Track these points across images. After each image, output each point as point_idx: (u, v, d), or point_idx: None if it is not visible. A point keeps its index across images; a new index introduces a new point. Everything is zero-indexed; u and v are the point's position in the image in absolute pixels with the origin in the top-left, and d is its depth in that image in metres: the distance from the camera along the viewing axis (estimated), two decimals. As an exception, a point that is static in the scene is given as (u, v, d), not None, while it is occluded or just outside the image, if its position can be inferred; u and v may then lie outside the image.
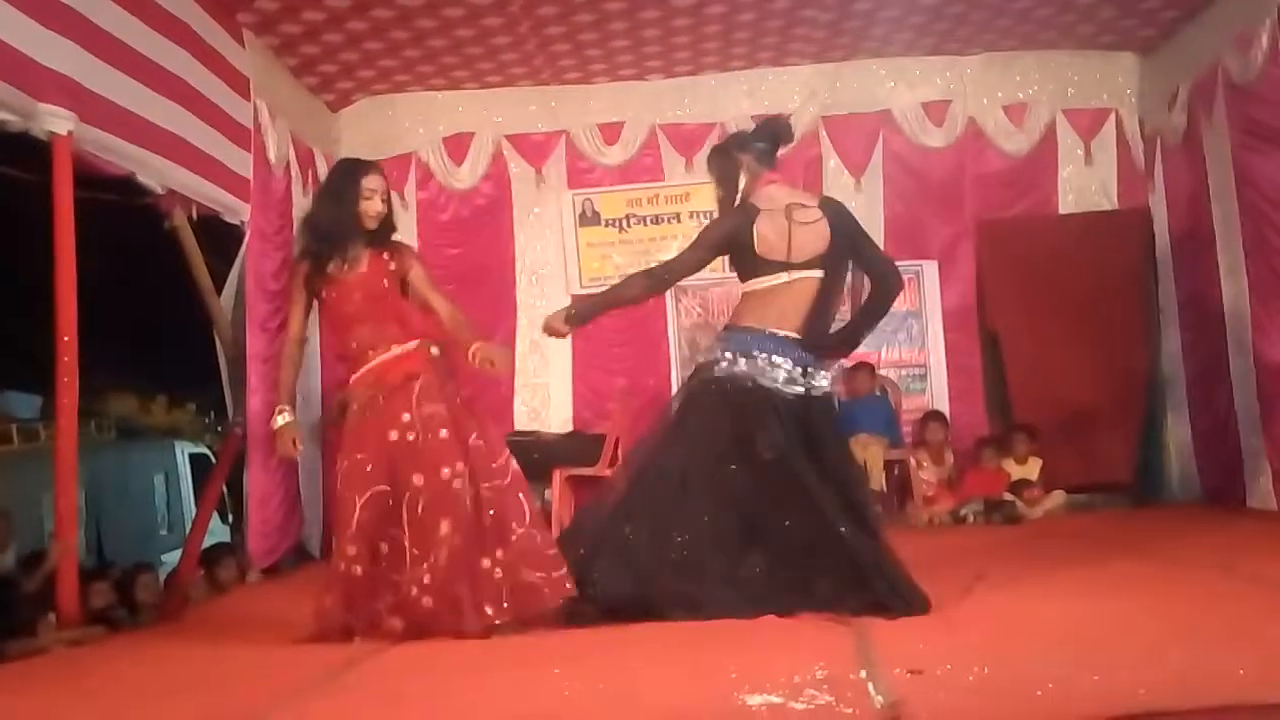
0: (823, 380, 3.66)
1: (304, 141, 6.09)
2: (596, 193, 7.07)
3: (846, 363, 6.70)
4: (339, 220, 3.66)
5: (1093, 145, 6.85)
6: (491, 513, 3.50)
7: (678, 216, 7.06)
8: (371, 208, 3.66)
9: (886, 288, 3.79)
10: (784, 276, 3.61)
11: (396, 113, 6.88)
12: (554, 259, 7.06)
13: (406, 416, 3.53)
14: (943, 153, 6.87)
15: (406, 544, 3.45)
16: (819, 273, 3.63)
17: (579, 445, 6.39)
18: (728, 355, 3.61)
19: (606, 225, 7.07)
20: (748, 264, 3.67)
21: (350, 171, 3.78)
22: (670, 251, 6.96)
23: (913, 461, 6.37)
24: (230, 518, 8.36)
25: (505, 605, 3.41)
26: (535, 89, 6.88)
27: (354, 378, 3.66)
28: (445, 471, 3.47)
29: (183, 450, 11.91)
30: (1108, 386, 6.51)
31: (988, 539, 5.34)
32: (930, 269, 6.88)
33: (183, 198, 4.76)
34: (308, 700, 2.59)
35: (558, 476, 6.13)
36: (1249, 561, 3.87)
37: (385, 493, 3.50)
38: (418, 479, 3.47)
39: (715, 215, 3.96)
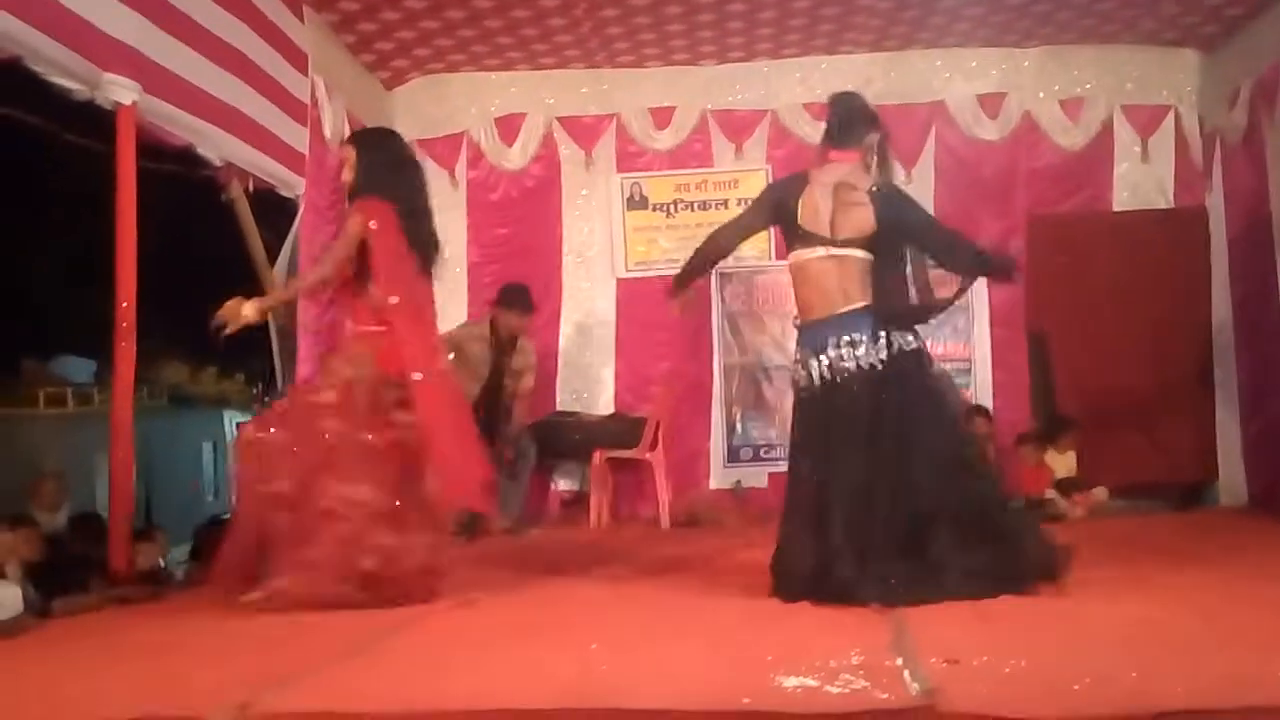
0: (903, 341, 3.56)
1: (359, 118, 6.15)
2: (645, 177, 7.08)
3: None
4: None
5: (1150, 142, 6.74)
6: None
7: (725, 203, 7.04)
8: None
9: (953, 265, 3.74)
10: (821, 251, 3.58)
11: (449, 92, 6.92)
12: (601, 242, 7.08)
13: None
14: (996, 146, 6.80)
15: None
16: (864, 254, 3.58)
17: (620, 427, 6.43)
18: (798, 359, 3.67)
19: (654, 210, 7.08)
20: (791, 234, 3.67)
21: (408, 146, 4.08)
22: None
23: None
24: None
25: None
26: (588, 71, 6.89)
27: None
28: None
29: (231, 419, 12.14)
30: (1159, 387, 6.42)
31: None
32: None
33: (240, 170, 4.85)
34: (352, 663, 2.65)
35: (598, 457, 6.17)
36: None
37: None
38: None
39: None
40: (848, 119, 3.76)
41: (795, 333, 3.75)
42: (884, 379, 3.49)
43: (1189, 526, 5.58)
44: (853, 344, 3.51)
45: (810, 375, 3.58)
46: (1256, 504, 6.05)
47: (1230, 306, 6.37)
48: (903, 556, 3.32)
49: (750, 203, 3.86)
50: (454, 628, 3.21)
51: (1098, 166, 6.79)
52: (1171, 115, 6.73)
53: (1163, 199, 6.74)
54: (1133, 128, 6.74)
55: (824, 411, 3.54)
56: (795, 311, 3.77)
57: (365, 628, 3.11)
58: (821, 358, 3.55)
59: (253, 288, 5.29)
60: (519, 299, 6.13)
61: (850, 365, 3.51)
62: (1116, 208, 6.77)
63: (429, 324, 3.90)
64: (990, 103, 6.78)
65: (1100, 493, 6.21)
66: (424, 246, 3.79)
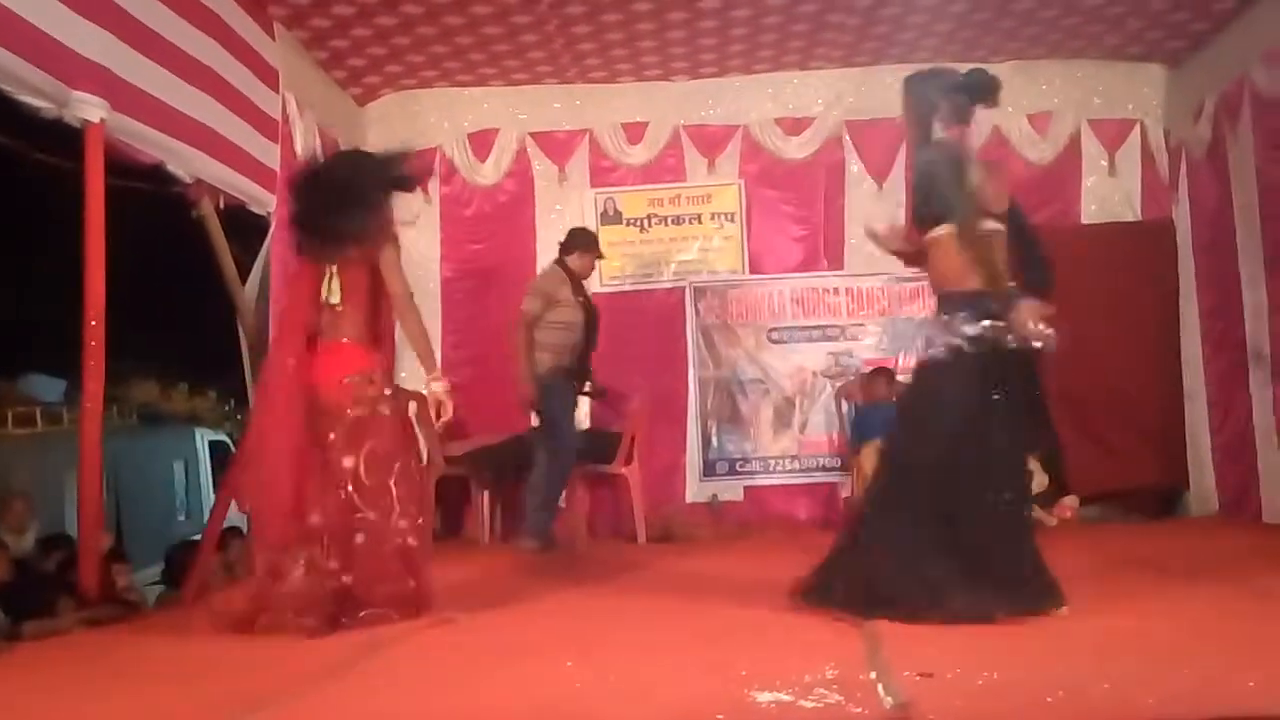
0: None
1: (330, 134, 6.14)
2: (619, 192, 7.10)
3: (865, 368, 6.74)
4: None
5: (1117, 156, 6.83)
6: None
7: (699, 217, 7.08)
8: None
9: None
10: (987, 224, 3.39)
11: (422, 108, 6.92)
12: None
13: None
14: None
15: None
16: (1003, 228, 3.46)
17: (595, 442, 6.41)
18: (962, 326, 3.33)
19: (628, 224, 7.10)
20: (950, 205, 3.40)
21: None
22: (691, 253, 7.06)
23: (928, 468, 6.35)
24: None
25: None
26: (560, 87, 6.91)
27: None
28: None
29: (202, 437, 12.02)
30: (1130, 397, 6.49)
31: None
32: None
33: (210, 187, 4.82)
34: (325, 685, 2.63)
35: (574, 473, 6.14)
36: (1263, 576, 3.87)
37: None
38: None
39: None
40: (976, 98, 3.55)
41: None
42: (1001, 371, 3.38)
43: (1161, 536, 5.63)
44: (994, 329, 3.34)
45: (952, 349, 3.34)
46: (1227, 512, 6.12)
47: (1198, 316, 6.44)
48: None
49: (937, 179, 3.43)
50: (431, 647, 3.19)
51: (1066, 180, 6.87)
52: (1138, 129, 6.82)
53: (1130, 212, 6.82)
54: (1100, 142, 6.83)
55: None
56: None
57: (341, 649, 3.08)
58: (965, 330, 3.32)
59: (223, 305, 5.28)
60: (587, 239, 5.94)
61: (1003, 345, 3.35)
62: (1085, 220, 6.84)
63: None
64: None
65: (1071, 502, 6.26)
66: None
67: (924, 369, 3.48)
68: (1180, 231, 6.62)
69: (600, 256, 6.04)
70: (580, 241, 5.87)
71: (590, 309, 5.87)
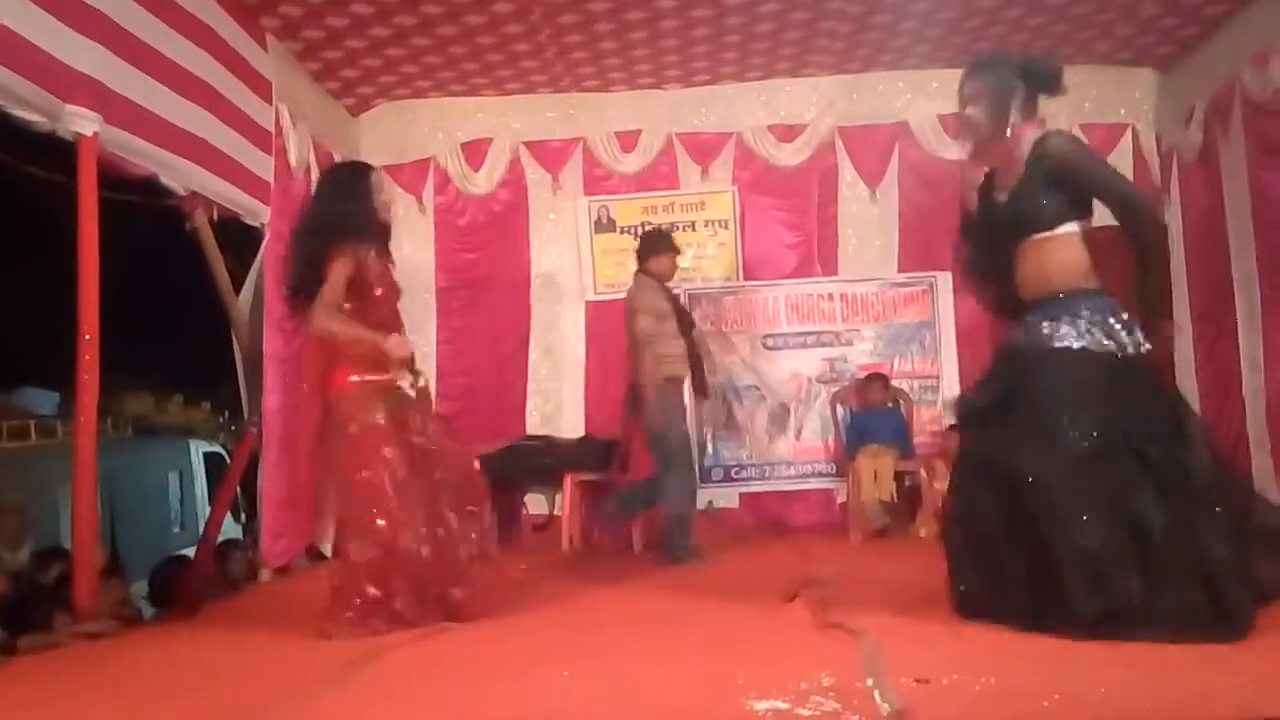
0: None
1: (324, 145, 6.15)
2: (612, 200, 7.11)
3: (860, 373, 6.75)
4: (360, 213, 3.76)
5: (1109, 160, 6.83)
6: None
7: (693, 225, 7.09)
8: (387, 199, 3.86)
9: None
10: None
11: (416, 118, 6.94)
12: (569, 265, 7.10)
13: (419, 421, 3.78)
14: (958, 165, 6.86)
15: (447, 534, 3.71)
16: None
17: (591, 450, 6.41)
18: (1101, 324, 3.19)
19: (622, 232, 7.11)
20: (1089, 203, 3.25)
21: (358, 170, 3.95)
22: (686, 260, 7.03)
23: (923, 473, 6.36)
24: (244, 517, 8.41)
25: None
26: (553, 96, 6.93)
27: (383, 379, 3.72)
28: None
29: (197, 449, 11.99)
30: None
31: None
32: (944, 280, 6.88)
33: (204, 199, 4.82)
34: (318, 698, 2.63)
35: (569, 481, 6.15)
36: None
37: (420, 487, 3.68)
38: (442, 477, 3.75)
39: (965, 136, 3.49)
40: (1049, 89, 3.35)
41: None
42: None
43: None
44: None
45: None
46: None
47: (1190, 320, 6.45)
48: None
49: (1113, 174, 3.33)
50: (425, 657, 3.19)
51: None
52: (1129, 133, 6.85)
53: (1122, 216, 6.83)
54: (1092, 146, 6.83)
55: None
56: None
57: (334, 659, 3.08)
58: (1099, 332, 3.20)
59: (218, 317, 5.27)
60: (663, 240, 5.71)
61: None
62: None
63: None
64: (952, 123, 6.86)
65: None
66: None
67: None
68: (1172, 235, 6.62)
69: (679, 252, 5.82)
70: (658, 244, 5.66)
71: (681, 309, 5.77)
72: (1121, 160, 6.84)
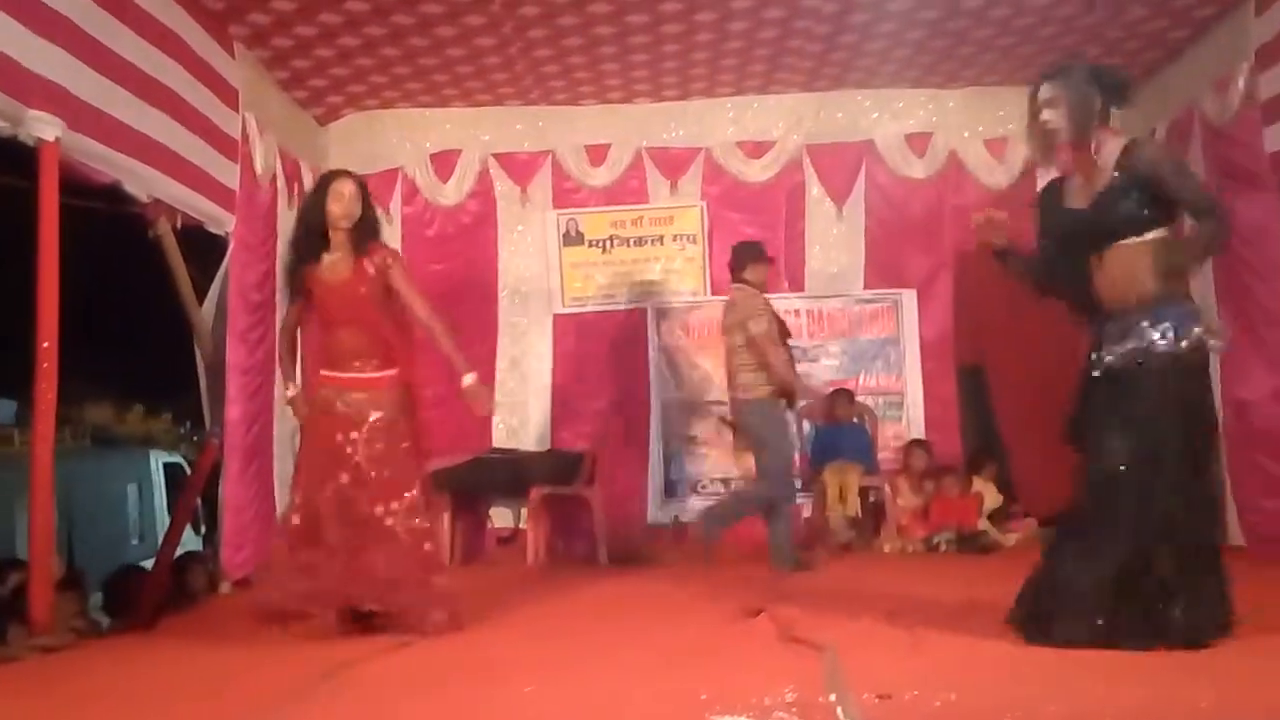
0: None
1: (291, 154, 6.11)
2: (581, 213, 7.12)
3: (827, 389, 6.79)
4: (310, 223, 3.88)
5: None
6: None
7: (661, 239, 7.12)
8: (339, 207, 3.84)
9: None
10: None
11: (384, 128, 6.92)
12: (537, 277, 7.10)
13: (355, 435, 3.82)
14: (924, 184, 6.96)
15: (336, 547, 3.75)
16: None
17: (557, 463, 6.40)
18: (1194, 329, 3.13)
19: (590, 245, 7.12)
20: (1174, 210, 3.20)
21: (323, 179, 4.02)
22: (654, 274, 7.09)
23: (887, 489, 6.40)
24: (204, 528, 8.31)
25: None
26: (523, 109, 6.93)
27: (327, 375, 3.88)
28: (379, 509, 3.77)
29: (157, 460, 11.82)
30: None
31: (960, 567, 5.37)
32: (909, 298, 6.95)
33: (168, 207, 4.77)
34: (286, 710, 2.59)
35: (534, 494, 6.13)
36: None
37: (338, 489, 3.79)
38: (354, 493, 3.78)
39: (1040, 143, 3.47)
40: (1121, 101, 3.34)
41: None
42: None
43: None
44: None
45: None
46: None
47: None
48: None
49: (1187, 177, 3.27)
50: (390, 670, 3.16)
51: (1022, 204, 6.95)
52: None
53: (1084, 236, 6.93)
54: (1054, 167, 6.92)
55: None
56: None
57: (301, 673, 3.04)
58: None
59: (181, 326, 5.22)
60: (756, 250, 5.68)
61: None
62: (1041, 244, 6.93)
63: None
64: (918, 142, 6.95)
65: (1030, 525, 6.32)
66: None
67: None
68: (1133, 255, 6.73)
69: (773, 261, 5.89)
70: (751, 254, 5.65)
71: (780, 319, 5.83)
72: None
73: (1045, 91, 3.35)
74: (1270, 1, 5.09)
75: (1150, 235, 3.17)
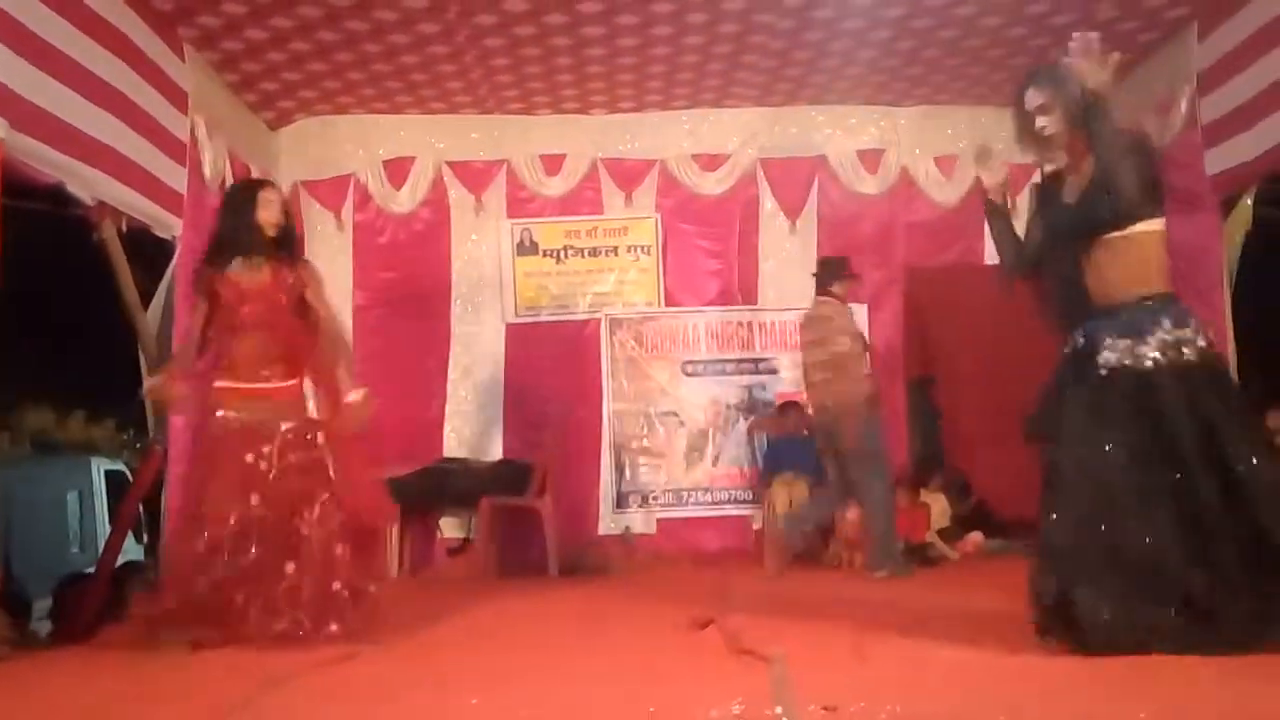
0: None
1: (241, 158, 6.04)
2: (535, 223, 7.11)
3: (777, 401, 6.83)
4: (236, 227, 3.85)
5: (1017, 199, 7.03)
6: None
7: (615, 250, 7.13)
8: (268, 215, 3.85)
9: None
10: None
11: (337, 133, 6.86)
12: (490, 286, 7.07)
13: (266, 449, 3.75)
14: (875, 199, 7.04)
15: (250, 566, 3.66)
16: None
17: (508, 474, 6.37)
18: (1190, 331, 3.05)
19: (544, 255, 7.11)
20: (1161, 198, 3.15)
21: (246, 186, 4.07)
22: (608, 285, 7.09)
23: (837, 501, 6.42)
24: (146, 537, 8.15)
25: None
26: (478, 117, 6.91)
27: (229, 386, 3.79)
28: (295, 520, 3.71)
29: (99, 467, 11.60)
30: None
31: (907, 579, 5.41)
32: (860, 312, 6.99)
33: (113, 210, 4.69)
34: (220, 725, 2.55)
35: (485, 505, 6.09)
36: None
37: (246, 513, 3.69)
38: (265, 511, 3.70)
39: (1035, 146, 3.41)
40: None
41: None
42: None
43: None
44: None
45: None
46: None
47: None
48: None
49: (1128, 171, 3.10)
50: (333, 682, 3.11)
51: (970, 222, 7.05)
52: (1037, 174, 7.03)
53: (1031, 254, 7.04)
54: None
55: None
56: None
57: (241, 686, 2.99)
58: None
59: (125, 331, 5.12)
60: (842, 264, 5.84)
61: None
62: (988, 261, 7.03)
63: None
64: (870, 158, 7.03)
65: (976, 536, 6.40)
66: None
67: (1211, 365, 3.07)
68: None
69: (858, 276, 5.99)
70: (838, 269, 5.80)
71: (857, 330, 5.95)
72: (1029, 200, 7.06)
73: (1035, 97, 3.29)
74: (1212, 28, 5.22)
75: (1137, 228, 3.10)
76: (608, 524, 6.86)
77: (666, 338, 7.06)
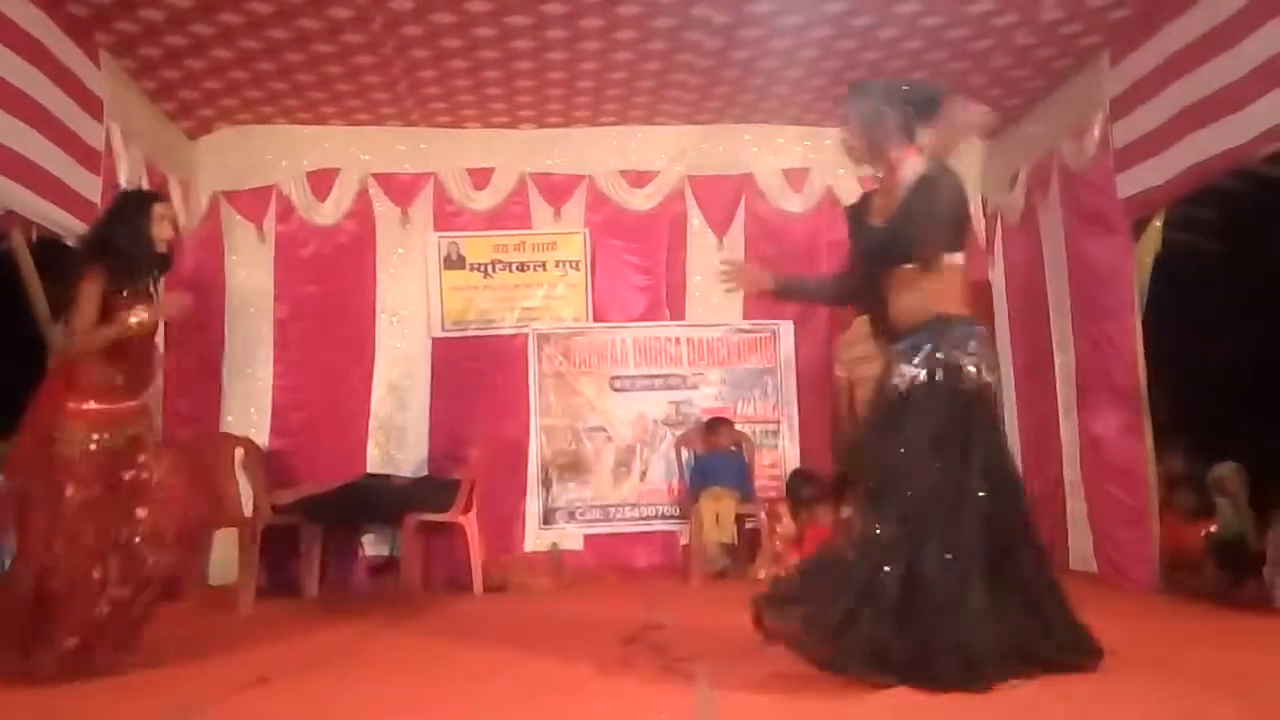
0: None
1: (158, 168, 5.90)
2: (463, 236, 7.05)
3: (704, 416, 6.86)
4: (136, 243, 3.76)
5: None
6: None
7: (544, 264, 7.10)
8: (164, 232, 3.81)
9: None
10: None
11: (258, 144, 6.73)
12: (416, 300, 6.99)
13: (142, 458, 3.72)
14: (800, 217, 7.12)
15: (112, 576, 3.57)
16: None
17: (433, 489, 6.28)
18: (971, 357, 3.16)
19: (471, 269, 7.05)
20: (964, 233, 3.29)
21: (141, 198, 3.96)
22: (536, 299, 7.06)
23: (763, 516, 6.47)
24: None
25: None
26: (405, 129, 6.84)
27: (101, 408, 3.66)
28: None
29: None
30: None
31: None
32: (786, 328, 7.09)
33: (22, 219, 4.55)
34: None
35: (410, 521, 6.00)
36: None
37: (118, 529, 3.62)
38: (142, 518, 3.65)
39: (852, 163, 3.60)
40: (925, 112, 3.35)
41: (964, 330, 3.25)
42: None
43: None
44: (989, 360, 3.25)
45: (976, 380, 3.18)
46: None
47: (1011, 372, 6.81)
48: None
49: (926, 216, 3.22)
50: (244, 709, 3.04)
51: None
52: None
53: (952, 271, 7.19)
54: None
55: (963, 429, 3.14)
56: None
57: (146, 714, 2.90)
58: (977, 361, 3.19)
59: (34, 341, 4.96)
60: None
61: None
62: (910, 278, 7.16)
63: None
64: (795, 177, 7.12)
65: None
66: None
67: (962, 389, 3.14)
68: (996, 292, 7.02)
69: None
70: None
71: None
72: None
73: (845, 112, 3.46)
74: (1122, 56, 5.39)
75: (951, 258, 3.23)
76: (534, 540, 6.81)
77: (594, 353, 7.05)
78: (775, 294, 3.80)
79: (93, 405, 3.64)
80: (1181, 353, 6.36)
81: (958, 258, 3.27)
